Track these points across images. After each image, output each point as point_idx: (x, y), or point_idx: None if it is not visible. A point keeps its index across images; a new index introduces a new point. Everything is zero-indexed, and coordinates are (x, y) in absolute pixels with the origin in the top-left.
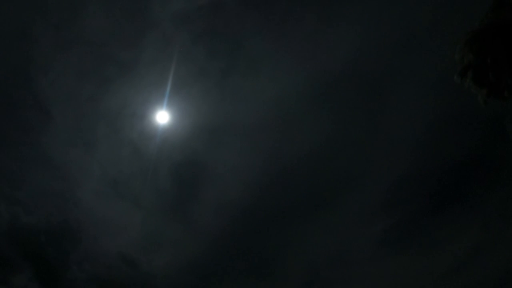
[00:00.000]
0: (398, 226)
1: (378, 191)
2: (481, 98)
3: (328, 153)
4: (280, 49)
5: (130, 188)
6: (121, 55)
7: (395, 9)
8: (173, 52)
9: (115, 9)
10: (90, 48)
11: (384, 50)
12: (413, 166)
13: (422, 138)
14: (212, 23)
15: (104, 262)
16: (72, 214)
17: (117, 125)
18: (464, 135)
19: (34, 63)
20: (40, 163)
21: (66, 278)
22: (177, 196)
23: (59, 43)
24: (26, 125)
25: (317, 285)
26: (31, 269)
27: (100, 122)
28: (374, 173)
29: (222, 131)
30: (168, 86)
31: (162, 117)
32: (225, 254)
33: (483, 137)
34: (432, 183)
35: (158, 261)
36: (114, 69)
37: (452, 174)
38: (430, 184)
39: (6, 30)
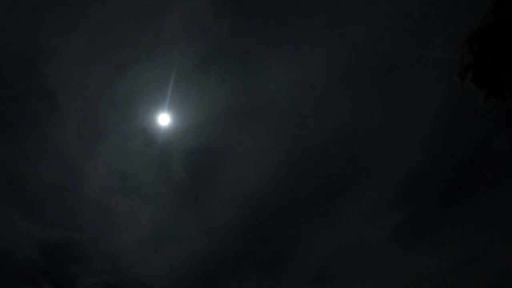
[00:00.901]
0: (410, 219)
1: (391, 184)
2: (481, 98)
3: (343, 143)
4: (303, 34)
5: (140, 182)
6: (136, 38)
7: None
8: (191, 35)
9: None
10: (102, 29)
11: (401, 42)
12: (426, 159)
13: (437, 131)
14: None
15: (112, 263)
16: (80, 215)
17: (127, 114)
18: (478, 129)
19: (42, 49)
20: (48, 157)
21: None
22: (190, 187)
23: (68, 26)
24: (35, 118)
25: (325, 281)
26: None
27: (110, 111)
28: (388, 165)
29: (241, 116)
30: (183, 69)
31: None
32: (236, 249)
33: (498, 131)
34: (445, 177)
35: (166, 259)
36: (126, 54)
37: (464, 167)
38: (442, 177)
39: (13, 15)
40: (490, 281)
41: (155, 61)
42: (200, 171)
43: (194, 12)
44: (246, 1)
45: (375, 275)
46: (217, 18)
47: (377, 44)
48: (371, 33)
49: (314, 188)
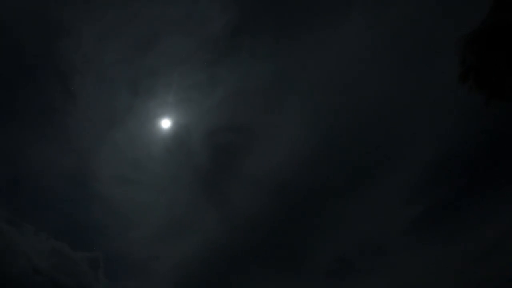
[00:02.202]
0: (427, 212)
1: (409, 176)
2: (483, 99)
3: (368, 131)
4: (339, 11)
5: (157, 170)
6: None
7: None
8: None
9: None
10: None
11: (429, 19)
12: (447, 151)
13: (459, 123)
14: None
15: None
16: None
17: (144, 98)
18: (498, 118)
19: (62, 30)
20: (61, 145)
21: None
22: (210, 172)
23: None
24: (50, 105)
25: (342, 273)
26: None
27: (126, 95)
28: (408, 157)
29: (278, 91)
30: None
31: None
32: (254, 239)
33: None
34: (464, 169)
35: (181, 251)
36: (146, 32)
37: (485, 160)
38: (464, 166)
39: None
40: (504, 274)
41: (183, 36)
42: (223, 152)
43: None
44: None
45: (391, 267)
46: None
47: (408, 27)
48: (403, 14)
49: (335, 176)
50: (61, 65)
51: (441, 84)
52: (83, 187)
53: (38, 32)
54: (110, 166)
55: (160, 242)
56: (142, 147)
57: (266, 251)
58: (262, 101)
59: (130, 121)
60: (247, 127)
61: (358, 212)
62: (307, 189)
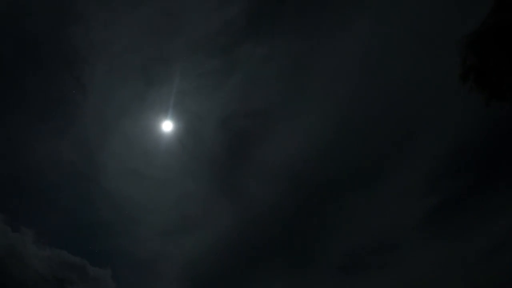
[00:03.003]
0: (444, 204)
1: (427, 165)
2: (483, 100)
3: (384, 122)
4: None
5: (169, 160)
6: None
7: None
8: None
9: None
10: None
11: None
12: (462, 141)
13: (474, 111)
14: None
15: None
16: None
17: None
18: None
19: (71, 17)
20: (71, 138)
21: None
22: (224, 162)
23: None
24: (59, 95)
25: (354, 269)
26: None
27: (135, 77)
28: (425, 146)
29: (296, 78)
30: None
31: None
32: (267, 234)
33: None
34: (480, 159)
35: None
36: (159, 18)
37: (501, 150)
38: (478, 160)
39: None
40: None
41: (198, 20)
42: (238, 141)
43: None
44: None
45: (403, 262)
46: None
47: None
48: None
49: (350, 169)
50: (70, 55)
51: (457, 75)
52: (90, 182)
53: (46, 21)
54: (118, 160)
55: (170, 238)
56: (152, 138)
57: (278, 246)
58: (280, 88)
59: (141, 111)
60: (263, 115)
61: (371, 206)
62: (321, 182)
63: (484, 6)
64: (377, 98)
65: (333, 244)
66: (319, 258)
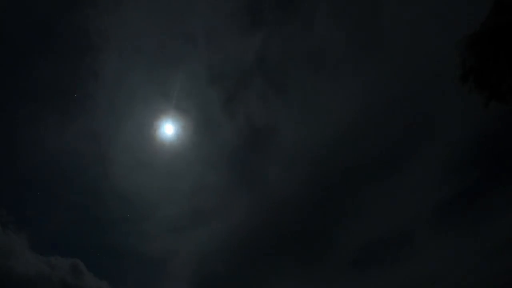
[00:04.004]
0: (458, 195)
1: (444, 154)
2: (483, 101)
3: (405, 111)
4: None
5: (183, 148)
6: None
7: None
8: None
9: None
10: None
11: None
12: (479, 130)
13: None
14: None
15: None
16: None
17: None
18: None
19: (83, 3)
20: (81, 128)
21: None
22: (242, 149)
23: None
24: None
25: (367, 262)
26: None
27: (146, 61)
28: (439, 135)
29: (314, 59)
30: None
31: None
32: (281, 228)
33: None
34: (498, 148)
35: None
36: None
37: None
38: (495, 149)
39: None
40: None
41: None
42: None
43: None
44: None
45: (417, 256)
46: None
47: None
48: None
49: (368, 158)
50: (82, 40)
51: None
52: (99, 174)
53: (57, 6)
54: (129, 151)
55: (179, 233)
56: (165, 125)
57: (292, 240)
58: (304, 68)
59: (153, 97)
60: (284, 97)
61: (386, 197)
62: (338, 171)
63: (484, 8)
64: (396, 87)
65: (347, 238)
66: (332, 252)
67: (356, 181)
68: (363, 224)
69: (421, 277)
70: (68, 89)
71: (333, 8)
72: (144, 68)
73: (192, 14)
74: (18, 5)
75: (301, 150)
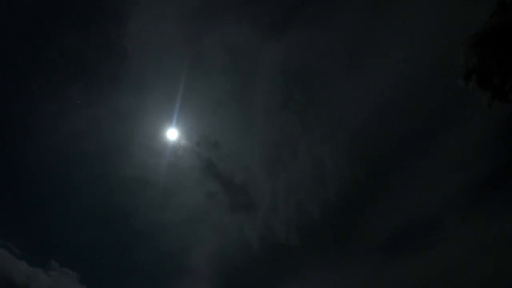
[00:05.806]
0: (490, 176)
1: (475, 134)
2: (485, 101)
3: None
4: None
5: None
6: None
7: None
8: None
9: None
10: None
11: None
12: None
13: None
14: None
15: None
16: None
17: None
18: None
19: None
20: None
21: None
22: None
23: None
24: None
25: (397, 248)
26: None
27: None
28: (471, 113)
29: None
30: None
31: None
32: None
33: None
34: None
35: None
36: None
37: None
38: None
39: None
40: None
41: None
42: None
43: None
44: None
45: (447, 242)
46: None
47: None
48: None
49: (402, 136)
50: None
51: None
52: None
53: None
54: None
55: (192, 231)
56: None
57: (325, 225)
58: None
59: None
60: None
61: (417, 179)
62: (373, 152)
63: (487, 7)
64: (430, 65)
65: (375, 223)
66: (360, 238)
67: (392, 161)
68: (392, 209)
69: (451, 264)
70: (96, 60)
71: None
72: (176, 52)
73: None
74: None
75: (342, 120)
